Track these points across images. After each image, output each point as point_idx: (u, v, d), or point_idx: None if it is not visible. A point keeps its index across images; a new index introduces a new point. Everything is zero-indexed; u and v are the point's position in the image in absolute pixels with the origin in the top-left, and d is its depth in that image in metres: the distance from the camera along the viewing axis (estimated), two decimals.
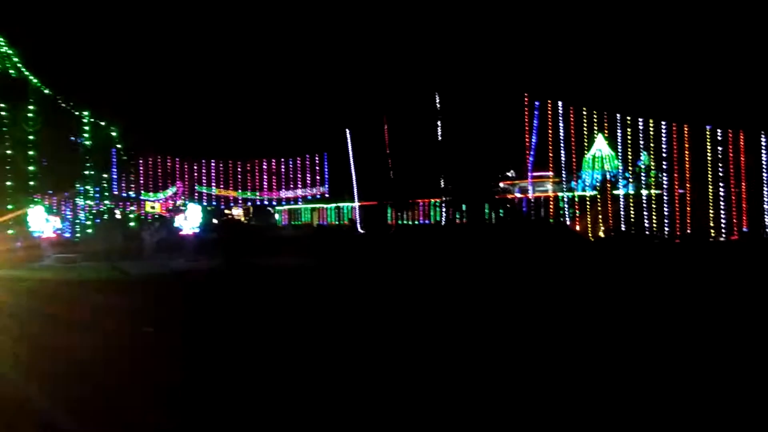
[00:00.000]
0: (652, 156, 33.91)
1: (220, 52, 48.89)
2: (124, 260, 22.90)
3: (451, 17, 39.98)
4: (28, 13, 33.58)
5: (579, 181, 37.68)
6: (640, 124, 33.75)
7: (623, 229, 33.79)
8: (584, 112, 35.82)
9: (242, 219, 50.86)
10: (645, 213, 33.51)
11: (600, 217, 34.76)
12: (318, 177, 51.24)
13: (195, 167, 51.32)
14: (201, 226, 26.28)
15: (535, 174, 38.78)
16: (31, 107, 27.82)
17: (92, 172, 31.37)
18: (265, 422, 5.72)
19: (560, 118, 35.90)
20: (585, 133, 36.30)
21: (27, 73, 28.44)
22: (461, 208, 40.87)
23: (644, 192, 34.17)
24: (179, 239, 25.10)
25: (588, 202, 35.92)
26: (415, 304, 12.39)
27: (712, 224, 31.69)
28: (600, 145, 37.52)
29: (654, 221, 33.27)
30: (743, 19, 31.07)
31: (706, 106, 31.26)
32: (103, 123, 31.93)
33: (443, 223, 41.21)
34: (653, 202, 33.57)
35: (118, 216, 33.56)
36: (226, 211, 51.53)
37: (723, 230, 31.59)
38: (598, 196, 35.64)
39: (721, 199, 31.63)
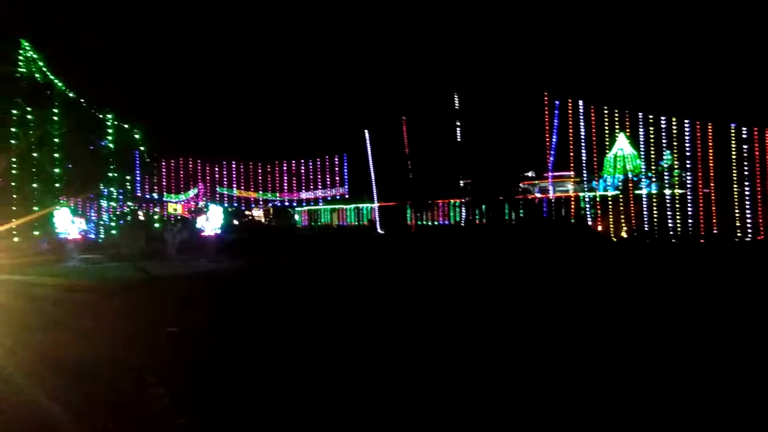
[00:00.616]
0: (675, 155, 33.42)
1: (242, 55, 49.33)
2: (147, 261, 23.22)
3: (469, 17, 39.86)
4: (53, 18, 34.19)
5: (600, 181, 37.25)
6: (663, 122, 33.27)
7: (646, 229, 33.32)
8: (605, 111, 35.42)
9: (262, 220, 51.22)
10: (668, 213, 33.00)
11: (622, 217, 34.34)
12: (338, 178, 51.38)
13: (216, 169, 51.81)
14: (222, 227, 26.53)
15: (555, 174, 38.45)
16: (56, 111, 28.34)
17: (116, 174, 31.84)
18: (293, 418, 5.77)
19: (581, 117, 35.52)
20: (606, 132, 35.89)
21: (52, 77, 28.97)
22: (481, 209, 40.69)
23: (667, 192, 33.66)
24: (201, 240, 25.36)
25: (610, 202, 35.50)
26: (436, 304, 12.37)
27: (737, 224, 31.11)
28: (622, 144, 37.07)
29: (678, 221, 32.76)
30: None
31: (730, 103, 30.71)
32: (126, 126, 32.40)
33: (463, 223, 41.06)
34: (677, 202, 33.07)
35: (142, 217, 34.00)
36: (247, 213, 51.93)
37: (749, 230, 31.01)
38: (620, 196, 35.22)
39: (747, 198, 31.03)
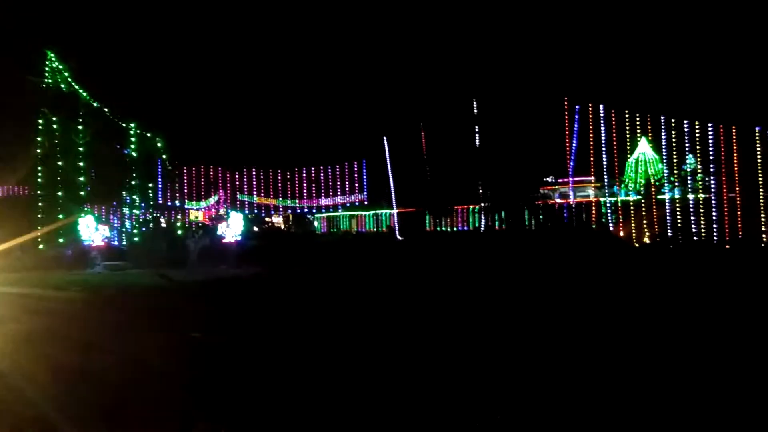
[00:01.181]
0: (698, 159, 32.91)
1: (263, 64, 49.78)
2: (169, 267, 23.48)
3: (487, 23, 39.80)
4: (76, 29, 34.84)
5: (622, 186, 36.79)
6: (686, 126, 32.82)
7: (669, 235, 32.83)
8: (626, 115, 35.04)
9: (282, 227, 51.48)
10: (692, 218, 32.49)
11: (645, 222, 33.89)
12: (356, 184, 51.48)
13: (237, 176, 52.24)
14: (242, 233, 26.74)
15: (575, 179, 38.11)
16: (80, 120, 28.84)
17: (138, 182, 32.27)
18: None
19: (601, 121, 35.19)
20: (627, 136, 35.49)
21: (77, 87, 29.50)
22: (500, 214, 40.45)
23: (691, 196, 33.15)
24: (222, 247, 25.59)
25: (632, 208, 35.06)
26: (457, 311, 12.32)
27: (763, 229, 30.51)
28: (643, 149, 36.62)
29: (702, 227, 32.22)
30: None
31: (755, 106, 30.18)
32: (148, 134, 32.85)
33: (482, 229, 40.86)
34: (701, 206, 32.55)
35: (164, 224, 34.39)
36: (267, 219, 52.24)
37: None
38: (643, 201, 34.77)
39: None
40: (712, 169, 32.15)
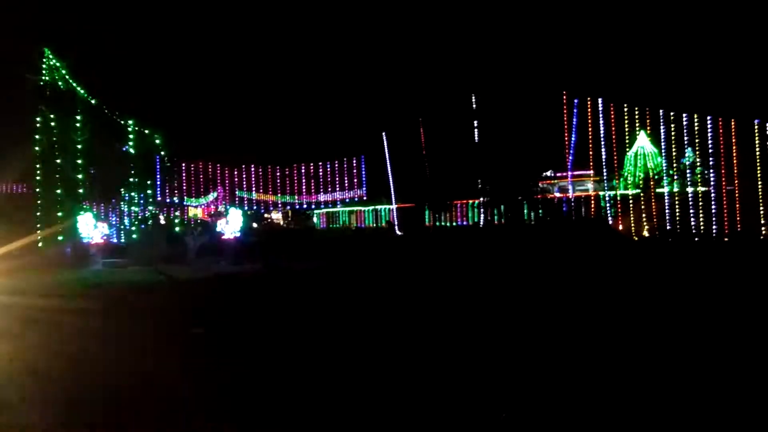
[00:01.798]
0: (697, 152, 32.90)
1: (261, 59, 49.67)
2: (169, 264, 23.45)
3: (486, 17, 39.70)
4: (74, 26, 34.72)
5: (621, 180, 36.78)
6: (684, 119, 32.80)
7: (668, 228, 32.85)
8: (625, 109, 35.01)
9: (281, 223, 51.47)
10: (691, 211, 32.51)
11: (644, 216, 33.91)
12: (355, 180, 51.44)
13: (235, 172, 52.18)
14: (241, 230, 26.70)
15: (575, 173, 38.10)
16: (78, 117, 28.74)
17: (137, 179, 32.18)
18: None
19: (600, 115, 35.15)
20: (626, 130, 35.46)
21: (74, 84, 29.38)
22: (500, 209, 40.45)
23: (690, 190, 33.16)
24: (221, 243, 25.56)
25: (631, 201, 35.07)
26: (456, 307, 12.33)
27: (762, 222, 30.54)
28: (642, 142, 36.60)
29: (701, 220, 32.25)
30: None
31: (753, 99, 30.15)
32: (147, 131, 32.75)
33: (481, 224, 40.86)
34: (700, 200, 32.56)
35: (163, 221, 34.34)
36: (266, 215, 52.22)
37: None
38: (642, 195, 34.78)
39: None
40: (711, 163, 32.15)
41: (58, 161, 28.27)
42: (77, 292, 16.32)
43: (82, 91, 29.70)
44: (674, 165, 33.99)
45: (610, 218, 35.74)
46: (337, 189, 51.85)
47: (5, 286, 15.99)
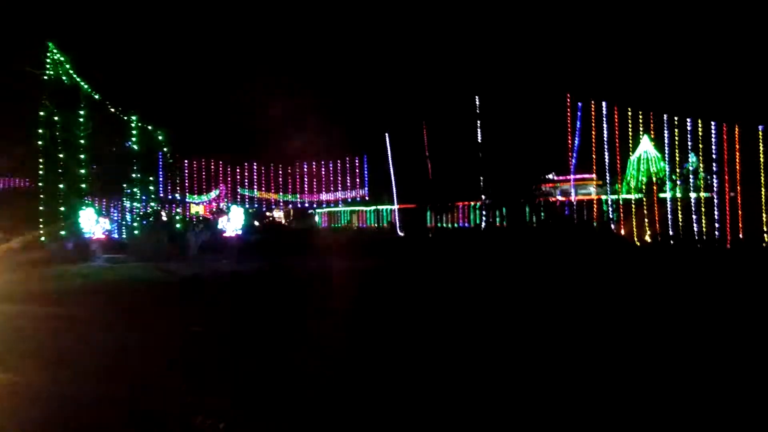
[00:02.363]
0: (701, 157, 32.82)
1: (265, 58, 49.64)
2: (170, 261, 23.44)
3: (490, 19, 39.66)
4: (78, 21, 34.74)
5: (624, 184, 36.70)
6: (689, 124, 32.72)
7: (671, 233, 32.79)
8: (629, 113, 34.94)
9: (283, 221, 51.49)
10: (694, 217, 32.44)
11: (646, 220, 33.84)
12: (358, 180, 51.44)
13: (237, 170, 52.21)
14: (243, 228, 26.70)
15: (577, 176, 38.04)
16: (82, 112, 28.76)
17: (139, 175, 32.21)
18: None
19: (604, 118, 35.09)
20: (630, 134, 35.39)
21: (78, 79, 29.39)
22: (501, 211, 40.40)
23: (693, 195, 33.09)
24: (222, 241, 25.55)
25: (633, 206, 35.01)
26: (455, 309, 12.30)
27: (765, 229, 30.44)
28: (645, 147, 36.52)
29: (704, 225, 32.17)
30: None
31: (758, 105, 30.05)
32: (150, 127, 32.78)
33: (483, 225, 40.83)
34: (703, 205, 32.49)
35: (165, 218, 34.37)
36: (267, 214, 52.24)
37: None
38: (644, 199, 34.71)
39: None
40: (714, 168, 32.08)
41: (61, 156, 28.29)
42: (76, 287, 16.31)
43: (86, 86, 29.72)
44: (677, 170, 33.91)
45: (612, 222, 35.68)
46: (339, 188, 51.86)
47: (6, 283, 16.00)
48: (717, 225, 31.65)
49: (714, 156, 31.93)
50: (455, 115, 41.43)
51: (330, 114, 46.73)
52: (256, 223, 44.61)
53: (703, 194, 32.84)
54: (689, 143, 32.92)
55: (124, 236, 31.00)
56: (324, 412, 5.98)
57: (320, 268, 20.94)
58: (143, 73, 38.76)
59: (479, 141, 40.23)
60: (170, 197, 46.02)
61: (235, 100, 48.04)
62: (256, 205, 52.03)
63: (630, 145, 36.02)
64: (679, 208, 33.10)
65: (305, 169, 52.69)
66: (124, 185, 32.28)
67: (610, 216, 35.85)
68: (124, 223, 32.50)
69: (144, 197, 32.87)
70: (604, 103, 35.01)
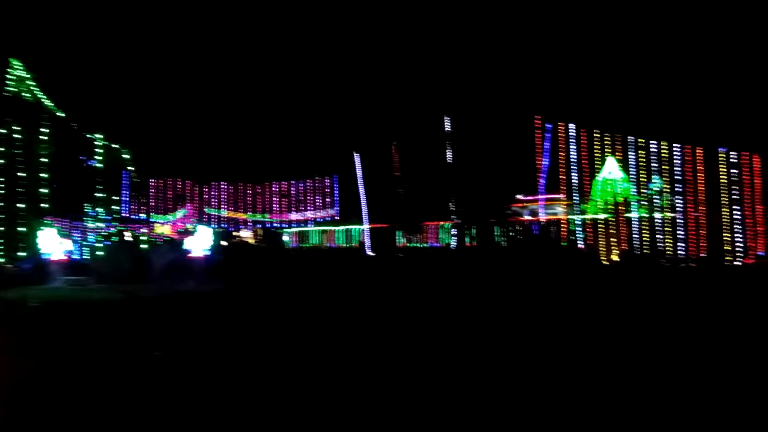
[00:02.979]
0: (664, 179, 33.56)
1: (231, 76, 49.27)
2: (134, 283, 22.74)
3: (460, 40, 40.15)
4: (44, 38, 34.01)
5: (590, 204, 37.23)
6: (653, 146, 33.48)
7: (636, 252, 33.32)
8: (596, 135, 35.61)
9: (251, 241, 50.74)
10: (659, 236, 33.06)
11: (612, 240, 34.33)
12: (328, 200, 51.13)
13: (205, 189, 51.40)
14: (211, 248, 26.16)
15: (546, 196, 38.48)
16: (44, 130, 28.06)
17: (103, 195, 31.48)
18: None
19: (572, 140, 35.68)
20: (597, 155, 36.03)
21: (42, 96, 28.72)
22: (471, 231, 40.58)
23: (657, 215, 33.75)
24: (189, 261, 24.97)
25: (600, 225, 35.52)
26: (423, 326, 12.15)
27: (727, 248, 31.18)
28: (611, 168, 37.17)
29: (668, 245, 32.79)
30: (759, 43, 30.90)
31: (719, 128, 30.96)
32: (115, 146, 32.14)
33: (453, 245, 40.91)
34: (667, 225, 33.14)
35: (129, 238, 33.56)
36: (235, 234, 51.43)
37: (738, 254, 31.08)
38: (610, 219, 35.25)
39: (736, 222, 31.17)
40: (678, 189, 32.83)
41: (22, 175, 27.47)
42: (31, 311, 15.65)
43: (49, 104, 29.04)
44: (642, 191, 34.58)
45: (579, 242, 36.09)
46: (309, 208, 51.45)
47: None
48: (681, 244, 32.28)
49: (677, 177, 32.71)
50: (425, 136, 41.69)
51: (301, 133, 46.55)
52: (224, 243, 43.86)
53: (667, 214, 33.52)
54: (654, 165, 33.65)
55: (86, 257, 30.11)
56: None
57: (283, 289, 20.58)
58: (110, 92, 38.08)
59: (449, 162, 40.48)
60: (135, 217, 44.98)
61: (204, 119, 47.52)
62: (224, 225, 51.20)
63: (597, 166, 36.64)
64: (643, 227, 33.69)
65: (275, 189, 52.17)
66: (87, 205, 31.46)
67: (578, 235, 36.27)
68: (86, 243, 31.60)
69: (107, 217, 32.09)
70: (572, 126, 35.62)
